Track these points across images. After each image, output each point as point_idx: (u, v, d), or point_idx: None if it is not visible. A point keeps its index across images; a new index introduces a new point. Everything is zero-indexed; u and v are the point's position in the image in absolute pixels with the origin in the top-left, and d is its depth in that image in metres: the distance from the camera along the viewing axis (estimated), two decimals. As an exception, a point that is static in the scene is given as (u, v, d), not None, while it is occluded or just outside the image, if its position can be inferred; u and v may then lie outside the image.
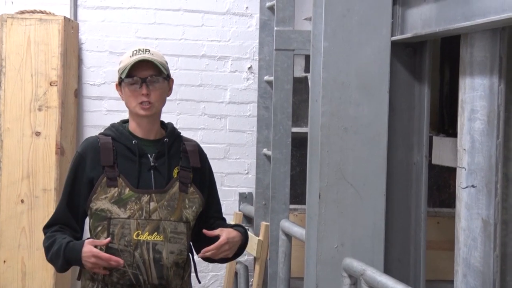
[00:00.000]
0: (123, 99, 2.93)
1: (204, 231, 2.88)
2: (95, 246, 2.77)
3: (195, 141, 3.02)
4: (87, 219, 2.93)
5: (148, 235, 2.82)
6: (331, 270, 2.96)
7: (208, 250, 2.83)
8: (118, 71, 2.92)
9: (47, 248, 2.90)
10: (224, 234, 2.86)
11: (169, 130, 2.98)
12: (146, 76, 2.85)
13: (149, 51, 2.89)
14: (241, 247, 2.94)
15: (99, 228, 2.85)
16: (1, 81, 4.72)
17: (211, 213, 3.02)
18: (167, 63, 2.95)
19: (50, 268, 4.65)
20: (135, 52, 2.89)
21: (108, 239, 2.77)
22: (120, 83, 2.91)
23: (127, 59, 2.89)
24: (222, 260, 2.96)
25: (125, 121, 2.98)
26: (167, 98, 2.97)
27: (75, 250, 2.80)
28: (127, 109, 2.94)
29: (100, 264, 2.76)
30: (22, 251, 4.69)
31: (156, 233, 2.82)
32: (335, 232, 2.96)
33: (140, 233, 2.82)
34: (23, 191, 4.70)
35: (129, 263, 2.81)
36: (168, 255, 2.84)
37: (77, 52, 5.06)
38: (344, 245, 2.96)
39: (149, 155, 2.90)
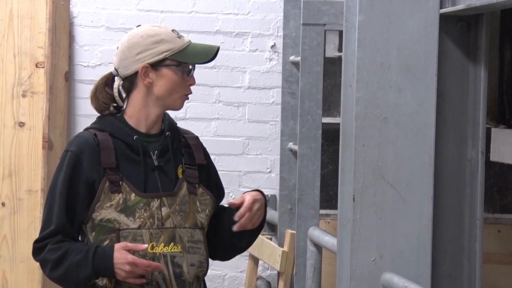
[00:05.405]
0: (148, 85, 2.87)
1: (229, 202, 2.89)
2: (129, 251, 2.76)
3: (193, 133, 3.05)
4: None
5: (164, 247, 2.84)
6: (368, 287, 2.96)
7: (241, 214, 2.83)
8: (156, 49, 2.89)
9: (58, 260, 2.82)
10: (247, 195, 2.88)
11: (168, 121, 2.98)
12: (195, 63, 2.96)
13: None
14: (265, 210, 2.95)
15: (107, 242, 2.84)
16: (-22, 62, 4.77)
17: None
18: None
19: (36, 283, 4.69)
20: (174, 31, 2.94)
21: (146, 245, 2.77)
22: (153, 64, 2.88)
23: (178, 40, 2.92)
24: (253, 232, 2.96)
25: (114, 113, 2.95)
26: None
27: (106, 256, 2.77)
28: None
29: (136, 272, 2.75)
30: (3, 264, 4.73)
31: (172, 243, 2.85)
32: (373, 242, 2.96)
33: (154, 245, 2.83)
34: (4, 193, 4.74)
35: (148, 281, 2.80)
36: (189, 269, 2.87)
37: (68, 28, 5.09)
38: (383, 258, 2.97)
39: (151, 153, 2.91)
